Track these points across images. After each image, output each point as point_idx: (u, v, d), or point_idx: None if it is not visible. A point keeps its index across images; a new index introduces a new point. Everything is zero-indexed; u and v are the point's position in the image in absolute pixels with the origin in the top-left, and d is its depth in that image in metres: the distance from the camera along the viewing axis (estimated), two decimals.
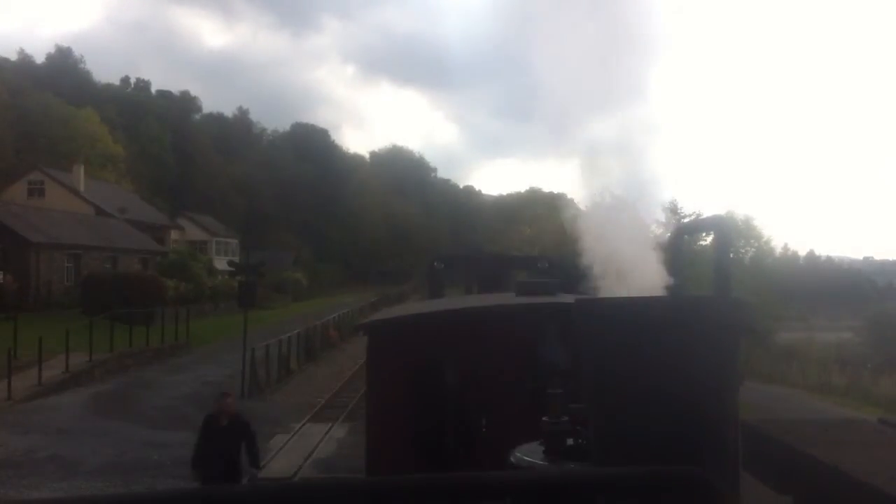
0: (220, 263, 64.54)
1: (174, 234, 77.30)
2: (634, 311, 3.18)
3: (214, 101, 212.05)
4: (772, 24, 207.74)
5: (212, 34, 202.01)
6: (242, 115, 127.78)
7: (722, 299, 4.00)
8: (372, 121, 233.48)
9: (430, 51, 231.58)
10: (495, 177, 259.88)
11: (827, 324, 75.70)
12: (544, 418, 4.02)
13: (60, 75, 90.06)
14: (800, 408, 32.54)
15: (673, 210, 43.59)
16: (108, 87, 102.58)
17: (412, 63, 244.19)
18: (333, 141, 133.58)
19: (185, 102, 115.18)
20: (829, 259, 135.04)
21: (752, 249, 59.78)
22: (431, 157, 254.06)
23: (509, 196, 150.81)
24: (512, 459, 4.02)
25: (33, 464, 16.75)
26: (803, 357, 50.50)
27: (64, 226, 53.01)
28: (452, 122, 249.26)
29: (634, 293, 4.02)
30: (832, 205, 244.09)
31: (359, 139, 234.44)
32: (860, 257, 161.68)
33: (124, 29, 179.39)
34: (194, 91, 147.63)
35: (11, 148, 69.60)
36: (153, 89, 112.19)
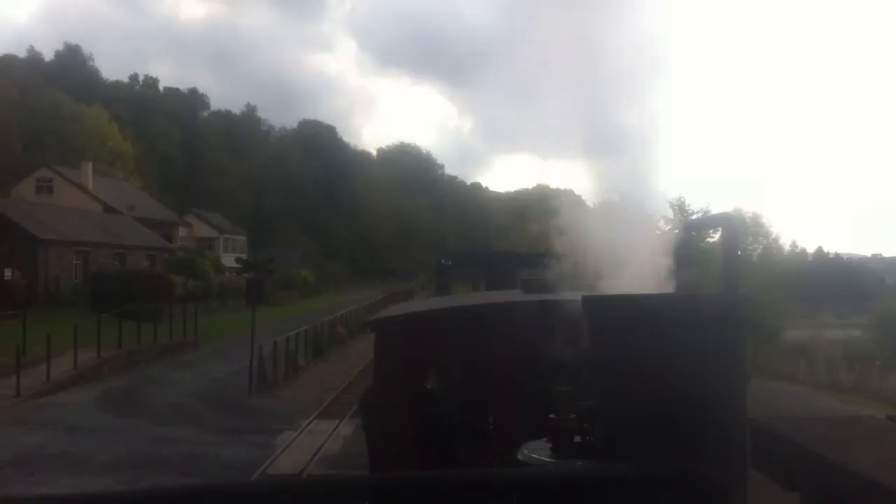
0: (228, 260, 64.65)
1: (182, 231, 77.50)
2: (642, 308, 3.18)
3: (223, 94, 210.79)
4: (779, 21, 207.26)
5: (221, 26, 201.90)
6: (250, 111, 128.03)
7: (730, 296, 3.99)
8: (383, 114, 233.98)
9: (443, 41, 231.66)
10: (504, 173, 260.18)
11: (835, 321, 75.53)
12: (551, 416, 4.03)
13: (69, 73, 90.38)
14: (808, 405, 32.48)
15: (681, 207, 43.58)
16: (117, 84, 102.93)
17: (425, 54, 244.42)
18: (341, 138, 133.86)
19: (194, 100, 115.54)
20: (837, 256, 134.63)
21: (760, 247, 59.73)
22: (441, 152, 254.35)
23: (517, 193, 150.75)
24: (519, 457, 4.03)
25: (42, 460, 16.81)
26: (811, 354, 50.44)
27: (72, 223, 53.18)
28: (463, 116, 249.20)
29: (642, 290, 4.02)
30: (841, 202, 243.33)
31: (369, 132, 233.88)
32: (869, 254, 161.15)
33: (132, 24, 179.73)
34: (202, 86, 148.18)
35: (20, 145, 69.82)
36: (161, 86, 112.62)
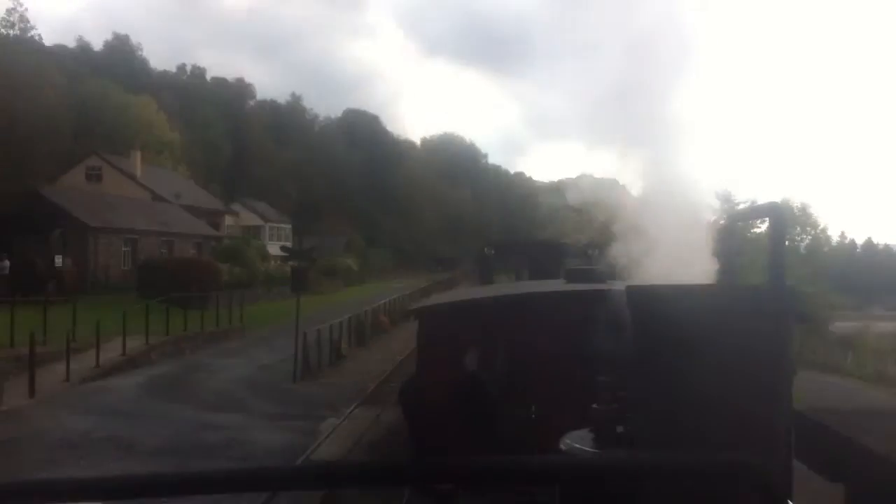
0: (274, 248, 65.11)
1: (228, 220, 78.19)
2: (686, 300, 3.16)
3: (269, 84, 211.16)
4: (825, 6, 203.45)
5: (267, 14, 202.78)
6: (295, 101, 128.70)
7: (775, 288, 3.95)
8: (428, 102, 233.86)
9: (489, 29, 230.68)
10: (548, 162, 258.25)
11: (884, 313, 74.33)
12: (594, 405, 4.02)
13: (118, 62, 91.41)
14: (854, 398, 32.01)
15: (726, 197, 43.04)
16: (165, 74, 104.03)
17: (471, 42, 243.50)
18: (384, 127, 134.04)
19: (240, 89, 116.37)
20: (887, 247, 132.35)
21: (808, 237, 58.81)
22: (485, 141, 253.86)
23: (560, 182, 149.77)
24: (562, 446, 4.03)
25: (90, 444, 17.07)
26: (859, 347, 49.70)
27: (121, 211, 53.92)
28: (508, 104, 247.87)
29: (686, 281, 3.99)
30: (892, 191, 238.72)
31: (414, 121, 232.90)
32: None
33: (180, 13, 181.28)
34: (248, 75, 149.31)
35: (70, 134, 70.81)
36: (208, 76, 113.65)
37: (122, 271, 49.73)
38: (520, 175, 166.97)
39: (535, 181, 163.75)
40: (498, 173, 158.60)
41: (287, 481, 1.82)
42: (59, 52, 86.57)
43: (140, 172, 65.75)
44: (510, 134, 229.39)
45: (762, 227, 29.98)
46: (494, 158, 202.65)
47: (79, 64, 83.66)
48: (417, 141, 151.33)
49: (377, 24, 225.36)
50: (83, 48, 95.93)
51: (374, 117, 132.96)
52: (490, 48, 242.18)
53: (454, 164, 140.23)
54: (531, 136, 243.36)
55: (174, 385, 24.89)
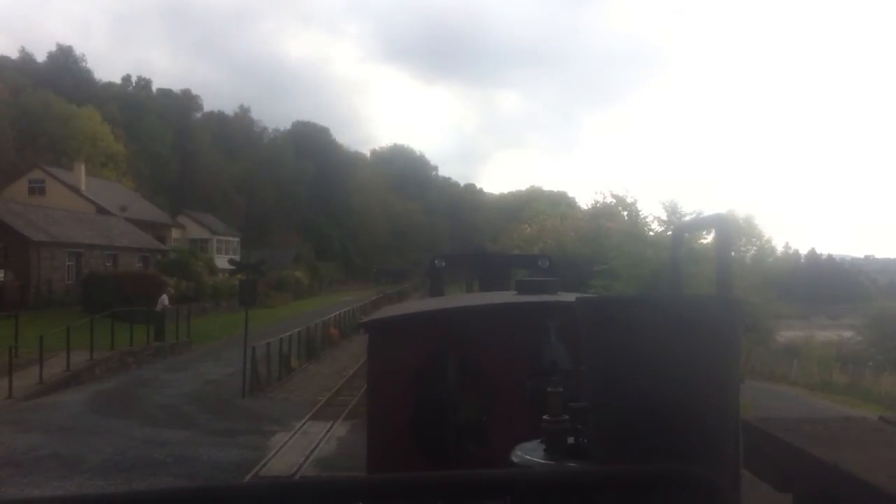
0: (221, 262, 64.54)
1: (175, 233, 77.34)
2: (635, 310, 3.18)
3: (218, 93, 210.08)
4: (774, 25, 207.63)
5: (218, 19, 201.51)
6: (243, 112, 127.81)
7: (723, 298, 3.99)
8: (378, 112, 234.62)
9: (440, 40, 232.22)
10: (498, 174, 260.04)
11: (828, 322, 75.76)
12: (545, 417, 4.02)
13: (61, 74, 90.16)
14: (800, 406, 32.55)
15: (673, 209, 43.52)
16: (110, 85, 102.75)
17: (425, 52, 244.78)
18: (334, 139, 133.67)
19: (186, 101, 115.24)
20: (830, 258, 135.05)
21: (753, 248, 59.68)
22: (435, 152, 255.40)
23: (510, 194, 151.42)
24: (512, 458, 4.02)
25: (34, 462, 16.75)
26: (804, 356, 50.59)
27: (65, 224, 53.07)
28: (460, 116, 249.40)
29: (634, 292, 4.03)
30: (833, 203, 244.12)
31: (364, 131, 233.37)
32: (861, 255, 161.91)
33: (126, 23, 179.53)
34: (197, 85, 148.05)
35: (12, 146, 69.61)
36: (154, 87, 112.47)
37: (67, 285, 48.91)
38: (470, 187, 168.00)
39: (485, 193, 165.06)
40: (448, 185, 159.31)
41: (235, 500, 1.79)
42: (0, 63, 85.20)
43: (84, 185, 64.80)
44: (461, 146, 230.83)
45: (708, 238, 30.39)
46: (445, 170, 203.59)
47: (21, 76, 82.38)
48: (367, 153, 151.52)
49: (329, 32, 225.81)
50: (26, 60, 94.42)
51: (324, 129, 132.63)
52: (441, 59, 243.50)
53: (404, 175, 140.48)
54: (483, 148, 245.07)
55: (119, 400, 24.51)
